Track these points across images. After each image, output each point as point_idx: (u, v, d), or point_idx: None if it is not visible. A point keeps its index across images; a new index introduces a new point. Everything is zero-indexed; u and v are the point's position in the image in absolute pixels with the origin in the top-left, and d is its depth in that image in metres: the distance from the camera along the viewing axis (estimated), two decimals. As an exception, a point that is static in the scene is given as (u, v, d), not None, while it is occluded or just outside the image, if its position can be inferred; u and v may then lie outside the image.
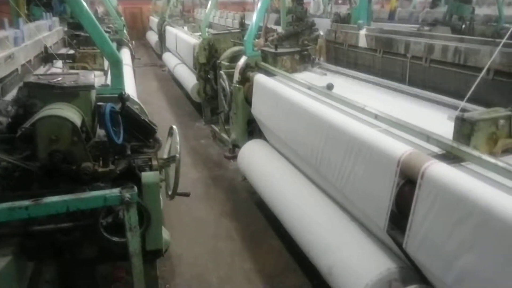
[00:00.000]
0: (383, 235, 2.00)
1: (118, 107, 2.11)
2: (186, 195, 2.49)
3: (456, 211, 1.49)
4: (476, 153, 1.63)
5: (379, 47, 3.45)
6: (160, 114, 6.86)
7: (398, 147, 1.85)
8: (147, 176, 2.17)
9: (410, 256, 1.80)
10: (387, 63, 3.23)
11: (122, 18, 7.97)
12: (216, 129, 5.71)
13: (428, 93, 2.66)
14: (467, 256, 1.45)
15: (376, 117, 2.20)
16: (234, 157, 4.91)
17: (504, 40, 2.28)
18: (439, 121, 2.34)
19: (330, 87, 2.94)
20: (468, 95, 2.23)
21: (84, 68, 4.15)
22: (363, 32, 3.84)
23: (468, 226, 1.45)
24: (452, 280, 1.51)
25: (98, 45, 2.41)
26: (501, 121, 1.76)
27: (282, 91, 3.12)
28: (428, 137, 1.86)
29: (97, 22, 2.37)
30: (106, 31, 6.04)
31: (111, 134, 1.98)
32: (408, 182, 1.81)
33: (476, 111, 1.84)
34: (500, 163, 1.51)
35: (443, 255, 1.56)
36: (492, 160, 1.55)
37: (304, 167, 2.93)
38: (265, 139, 3.87)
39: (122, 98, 2.05)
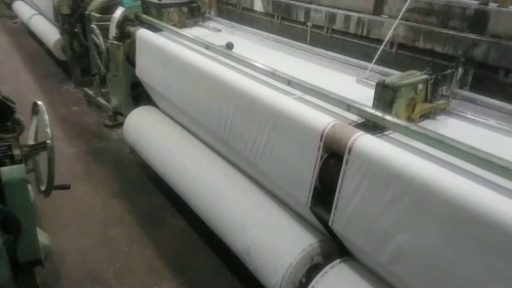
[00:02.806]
0: (305, 211, 1.86)
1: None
2: (66, 187, 2.00)
3: (389, 188, 1.39)
4: (402, 122, 1.54)
5: (278, 12, 3.20)
6: (16, 76, 5.70)
7: (320, 119, 1.67)
8: (9, 172, 1.64)
9: (337, 234, 1.70)
10: (287, 30, 3.01)
11: None
12: (91, 92, 4.94)
13: (331, 53, 2.55)
14: (402, 235, 1.38)
15: (289, 83, 1.99)
16: (117, 126, 4.32)
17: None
18: (347, 83, 2.25)
19: (229, 46, 2.63)
20: (376, 56, 2.16)
21: None
22: (258, -6, 3.55)
23: (403, 204, 1.36)
24: (387, 259, 1.44)
25: None
26: (420, 86, 1.70)
27: (174, 50, 2.70)
28: (348, 106, 1.72)
29: None
30: None
31: None
32: (332, 155, 1.67)
33: (393, 76, 1.75)
34: (431, 133, 1.43)
35: (375, 234, 1.47)
36: (420, 130, 1.47)
37: (209, 138, 2.63)
38: (155, 105, 3.42)
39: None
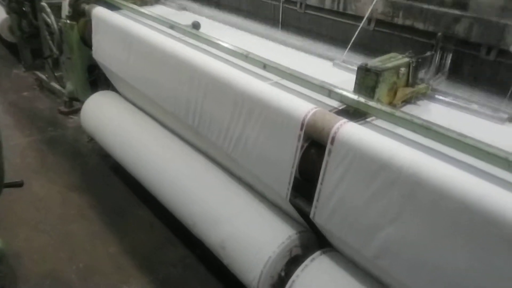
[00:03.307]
0: (284, 203, 1.77)
1: None
2: (18, 185, 1.79)
3: (376, 179, 1.32)
4: (387, 108, 1.46)
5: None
6: (-45, 59, 5.19)
7: (300, 106, 1.56)
8: None
9: (319, 226, 1.62)
10: (257, 5, 2.83)
11: None
12: (43, 76, 4.58)
13: (303, 39, 2.44)
14: (390, 228, 1.31)
15: (265, 66, 1.86)
16: (73, 112, 4.04)
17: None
18: (323, 67, 2.15)
19: (196, 26, 2.45)
20: (353, 38, 2.08)
21: None
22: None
23: (391, 195, 1.29)
24: (373, 253, 1.38)
25: None
26: (402, 69, 1.63)
27: (135, 30, 2.48)
28: (330, 91, 1.62)
29: None
30: None
31: None
32: (313, 144, 1.58)
33: (375, 60, 1.66)
34: (417, 120, 1.37)
35: (360, 227, 1.40)
36: (406, 116, 1.40)
37: (177, 125, 2.46)
38: (115, 90, 3.18)
39: None
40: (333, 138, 1.42)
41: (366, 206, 1.36)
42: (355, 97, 1.54)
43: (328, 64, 2.14)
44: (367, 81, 1.57)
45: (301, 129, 1.53)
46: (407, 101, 1.71)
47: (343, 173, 1.41)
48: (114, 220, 2.77)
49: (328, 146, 1.44)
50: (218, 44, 2.13)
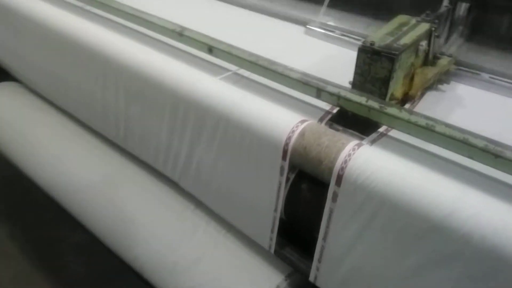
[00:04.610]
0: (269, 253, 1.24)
1: None
2: None
3: (422, 247, 0.81)
4: (420, 119, 0.92)
5: None
6: None
7: (279, 120, 0.99)
8: None
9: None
10: None
11: None
12: None
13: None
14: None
15: (210, 50, 1.23)
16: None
17: None
18: (293, 36, 1.54)
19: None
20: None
21: None
22: None
23: (451, 273, 0.80)
24: None
25: None
26: (423, 44, 1.08)
27: (24, 7, 1.72)
28: (318, 90, 1.04)
29: None
30: None
31: None
32: (303, 174, 1.04)
33: (379, 32, 1.08)
34: (474, 140, 0.84)
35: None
36: (456, 134, 0.86)
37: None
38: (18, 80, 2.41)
39: None
40: (339, 177, 0.88)
41: (405, 283, 0.87)
42: (362, 100, 0.98)
43: (299, 30, 1.53)
44: (375, 70, 1.00)
45: (284, 157, 0.98)
46: (429, 87, 1.17)
47: (361, 231, 0.89)
48: (44, 254, 2.17)
49: (333, 187, 0.90)
50: (138, 17, 1.44)
